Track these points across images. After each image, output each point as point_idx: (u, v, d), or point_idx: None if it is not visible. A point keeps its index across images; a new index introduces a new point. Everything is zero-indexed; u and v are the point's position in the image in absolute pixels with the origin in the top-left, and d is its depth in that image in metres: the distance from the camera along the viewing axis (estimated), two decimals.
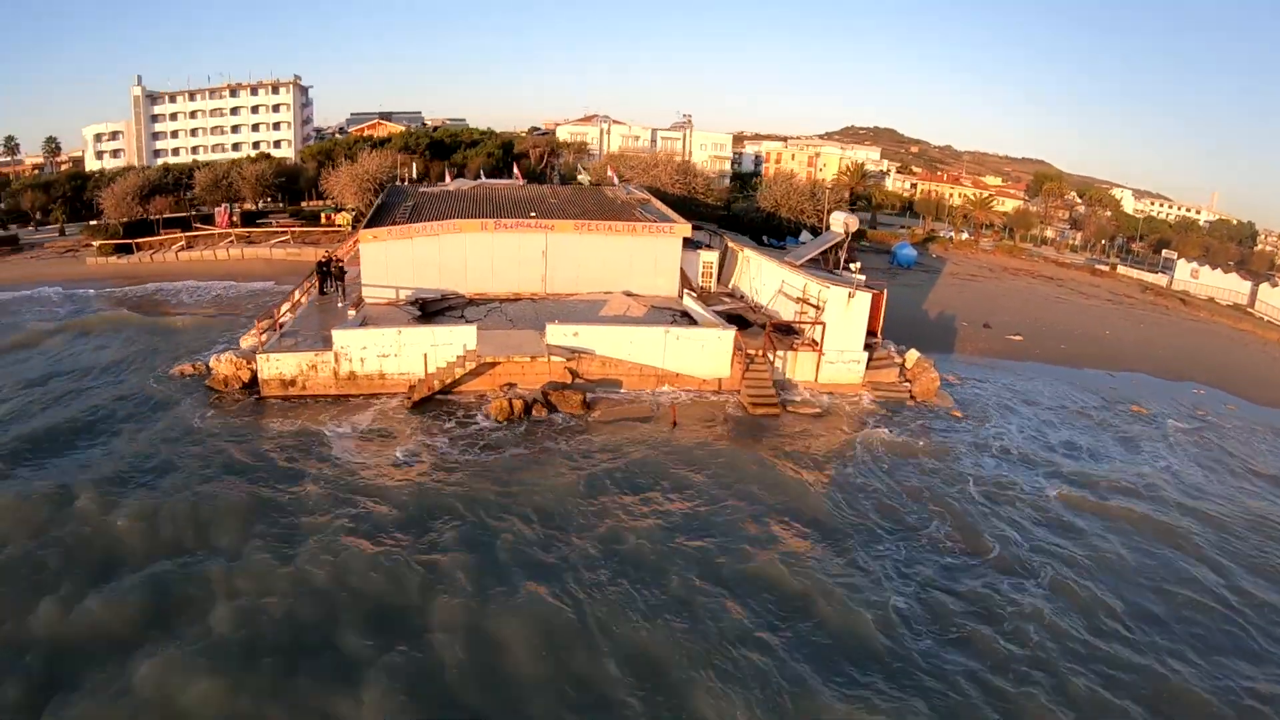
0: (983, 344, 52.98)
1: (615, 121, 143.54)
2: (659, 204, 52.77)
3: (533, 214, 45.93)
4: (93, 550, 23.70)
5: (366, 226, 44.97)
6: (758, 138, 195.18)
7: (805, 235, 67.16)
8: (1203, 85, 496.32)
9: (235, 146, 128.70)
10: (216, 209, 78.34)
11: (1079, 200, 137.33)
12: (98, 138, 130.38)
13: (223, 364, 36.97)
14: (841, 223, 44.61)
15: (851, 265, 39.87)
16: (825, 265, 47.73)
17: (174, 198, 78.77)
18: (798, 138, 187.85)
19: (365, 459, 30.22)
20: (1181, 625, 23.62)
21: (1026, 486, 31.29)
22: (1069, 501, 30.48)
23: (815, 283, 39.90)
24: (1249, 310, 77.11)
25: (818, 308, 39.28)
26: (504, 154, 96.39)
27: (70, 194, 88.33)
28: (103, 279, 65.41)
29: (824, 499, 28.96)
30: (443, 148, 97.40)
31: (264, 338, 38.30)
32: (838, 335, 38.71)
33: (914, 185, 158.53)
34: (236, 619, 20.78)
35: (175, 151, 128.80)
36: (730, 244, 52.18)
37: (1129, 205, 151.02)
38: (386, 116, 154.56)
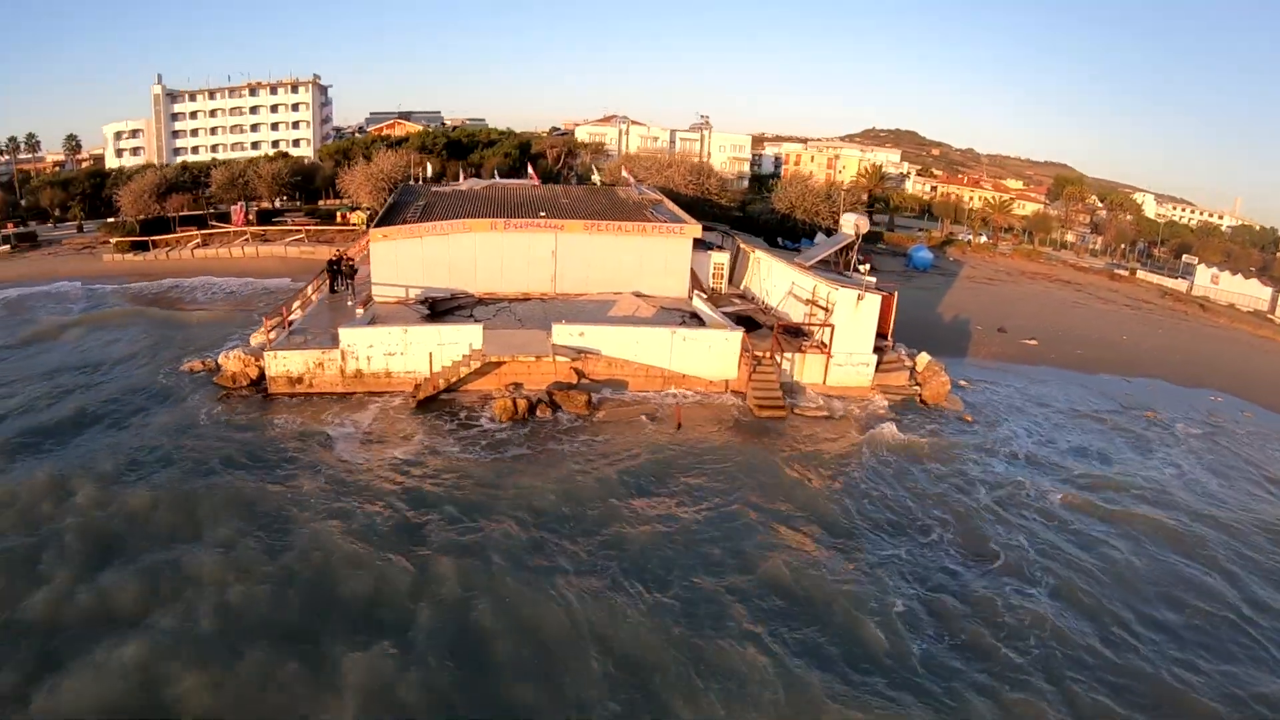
0: (996, 348, 52.46)
1: (634, 122, 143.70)
2: (671, 205, 52.52)
3: (542, 214, 45.84)
4: (89, 538, 24.11)
5: (377, 225, 45.04)
6: (778, 139, 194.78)
7: (820, 237, 66.73)
8: (1229, 89, 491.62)
9: (254, 145, 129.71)
10: (233, 207, 78.79)
11: (1100, 204, 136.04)
12: (118, 135, 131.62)
13: (231, 361, 37.28)
14: (852, 224, 44.24)
15: (861, 267, 39.33)
16: (837, 267, 47.33)
17: (191, 196, 79.32)
18: (818, 139, 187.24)
19: (365, 457, 30.24)
20: (1191, 633, 23.28)
21: (1034, 491, 30.87)
22: (1077, 507, 30.08)
23: (824, 284, 39.54)
24: (1269, 317, 76.19)
25: (826, 309, 38.94)
26: (521, 154, 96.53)
27: (89, 191, 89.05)
28: (119, 275, 65.87)
29: (828, 502, 28.69)
30: (460, 147, 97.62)
31: (272, 335, 38.35)
32: (846, 337, 38.37)
33: (934, 188, 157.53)
34: (222, 608, 21.02)
35: (195, 150, 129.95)
36: (742, 245, 51.91)
37: (1150, 210, 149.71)
38: (406, 116, 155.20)
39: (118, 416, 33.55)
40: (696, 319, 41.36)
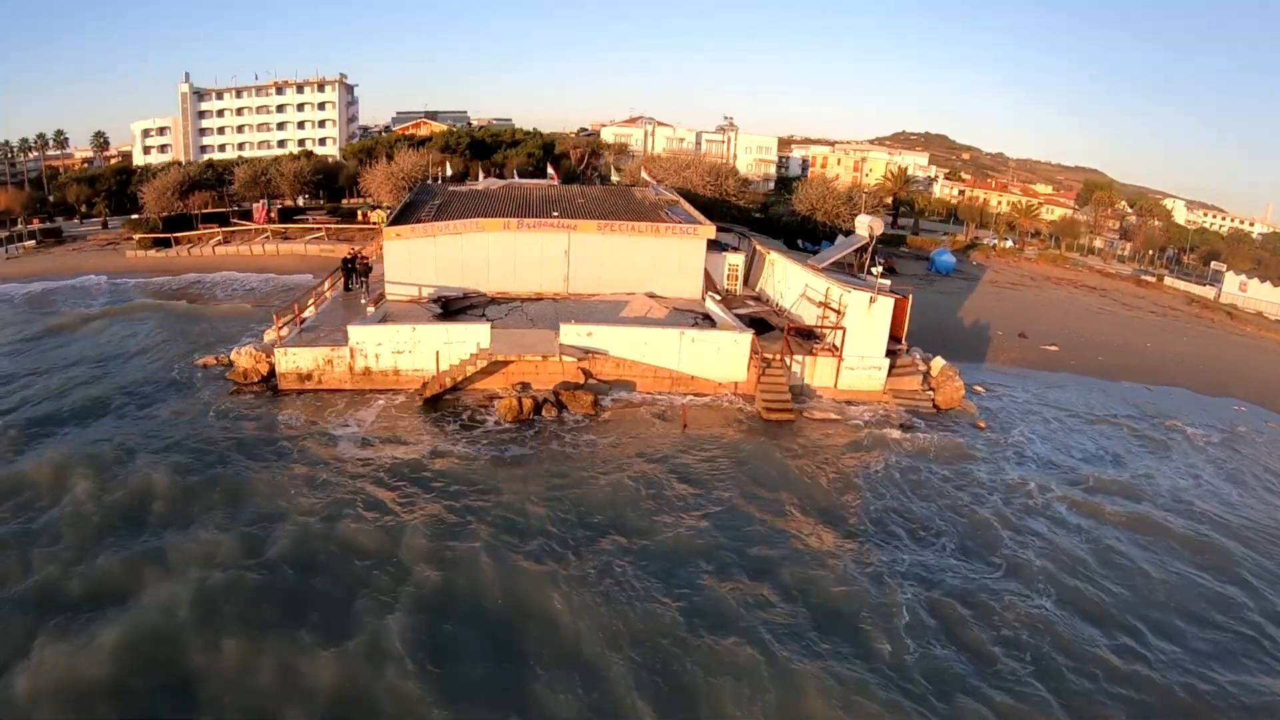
0: (1016, 354, 51.73)
1: (660, 123, 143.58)
2: (687, 205, 52.22)
3: (555, 214, 45.69)
4: (88, 521, 24.88)
5: (391, 224, 45.11)
6: (807, 142, 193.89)
7: (841, 240, 66.23)
8: (1265, 97, 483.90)
9: (281, 144, 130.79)
10: (254, 205, 79.34)
11: (1130, 210, 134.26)
12: (145, 133, 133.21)
13: (242, 357, 37.73)
14: (866, 226, 43.64)
15: (874, 269, 38.81)
16: (851, 269, 46.84)
17: (214, 193, 79.99)
18: (846, 142, 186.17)
19: (365, 453, 30.37)
20: (1203, 642, 22.73)
21: (1044, 498, 30.25)
22: (1087, 513, 29.44)
23: (837, 286, 39.08)
24: None
25: (839, 312, 38.48)
26: (545, 154, 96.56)
27: (115, 188, 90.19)
28: (141, 271, 66.70)
29: (833, 505, 28.35)
30: (483, 147, 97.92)
31: (283, 332, 38.58)
32: (858, 340, 37.87)
33: (961, 192, 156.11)
34: (202, 595, 21.33)
35: (222, 148, 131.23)
36: (758, 247, 51.51)
37: (1181, 216, 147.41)
38: (432, 116, 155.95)
39: (128, 407, 34.34)
40: (709, 320, 41.01)
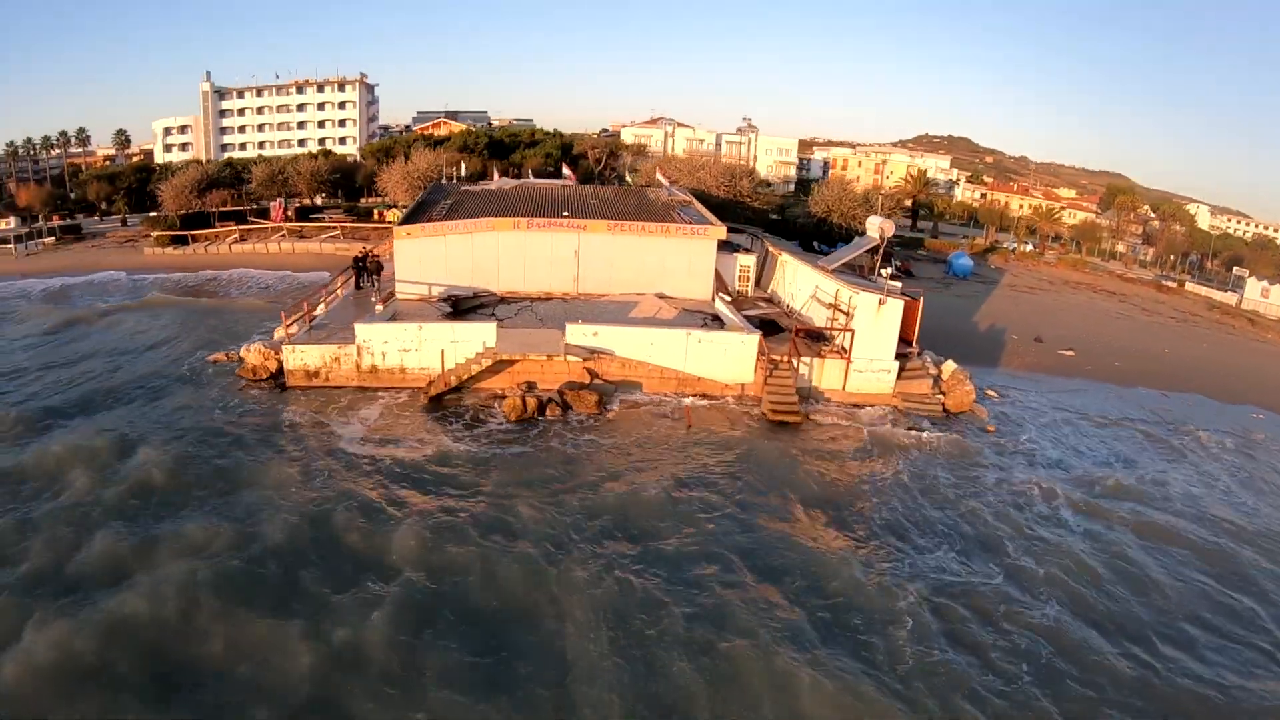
0: (1031, 358, 51.15)
1: (680, 124, 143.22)
2: (699, 206, 52.01)
3: (565, 214, 45.58)
4: (91, 505, 25.69)
5: (401, 223, 45.22)
6: (829, 144, 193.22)
7: (856, 240, 65.83)
8: None
9: (301, 143, 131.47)
10: (272, 203, 79.74)
11: (1153, 215, 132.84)
12: (166, 131, 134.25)
13: (251, 354, 38.15)
14: (877, 227, 43.25)
15: (883, 271, 38.44)
16: (863, 272, 46.48)
17: (232, 192, 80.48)
18: (867, 145, 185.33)
19: (366, 450, 30.53)
20: (1212, 650, 22.34)
21: (1051, 504, 29.80)
22: (1095, 520, 28.97)
23: (846, 288, 38.73)
24: None
25: (848, 314, 38.12)
26: (563, 155, 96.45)
27: (135, 186, 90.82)
28: (158, 268, 67.41)
29: (835, 510, 28.01)
30: (501, 147, 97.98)
31: (293, 330, 38.75)
32: (867, 343, 37.48)
33: (983, 195, 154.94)
34: (194, 579, 21.73)
35: (242, 146, 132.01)
36: (770, 248, 51.21)
37: (1204, 221, 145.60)
38: (452, 116, 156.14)
39: (138, 400, 35.19)
40: (718, 322, 40.78)
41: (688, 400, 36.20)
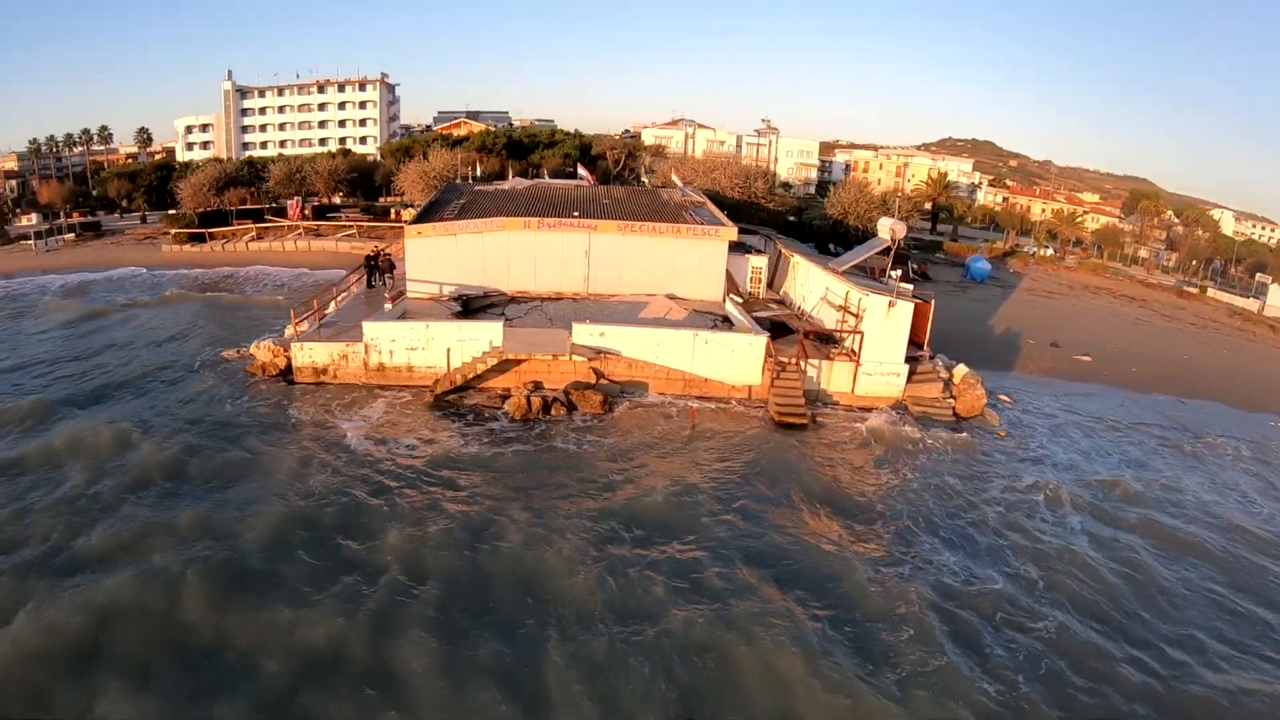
0: (1047, 363, 50.57)
1: (700, 126, 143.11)
2: (712, 208, 51.76)
3: (575, 213, 45.47)
4: (97, 490, 26.75)
5: (413, 223, 45.35)
6: (851, 147, 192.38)
7: (870, 241, 65.35)
8: None
9: (322, 141, 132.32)
10: (289, 202, 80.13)
11: (1176, 220, 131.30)
12: (188, 130, 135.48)
13: (261, 351, 38.40)
14: (888, 229, 42.88)
15: (893, 273, 38.05)
16: (873, 274, 46.10)
17: (249, 190, 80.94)
18: (889, 147, 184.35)
19: (367, 445, 30.84)
20: (1223, 657, 22.00)
21: (1059, 509, 29.42)
22: (1105, 525, 28.60)
23: (856, 290, 38.41)
24: None
25: (857, 316, 37.80)
26: (582, 155, 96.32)
27: (156, 183, 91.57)
28: (176, 264, 68.01)
29: (837, 514, 27.75)
30: (520, 148, 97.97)
31: (302, 327, 38.91)
32: (876, 345, 37.14)
33: (1005, 199, 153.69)
34: (186, 563, 22.53)
35: (263, 145, 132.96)
36: (782, 249, 50.92)
37: (1229, 227, 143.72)
38: (473, 116, 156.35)
39: (149, 392, 36.14)
40: (728, 323, 40.54)
41: (692, 402, 35.99)
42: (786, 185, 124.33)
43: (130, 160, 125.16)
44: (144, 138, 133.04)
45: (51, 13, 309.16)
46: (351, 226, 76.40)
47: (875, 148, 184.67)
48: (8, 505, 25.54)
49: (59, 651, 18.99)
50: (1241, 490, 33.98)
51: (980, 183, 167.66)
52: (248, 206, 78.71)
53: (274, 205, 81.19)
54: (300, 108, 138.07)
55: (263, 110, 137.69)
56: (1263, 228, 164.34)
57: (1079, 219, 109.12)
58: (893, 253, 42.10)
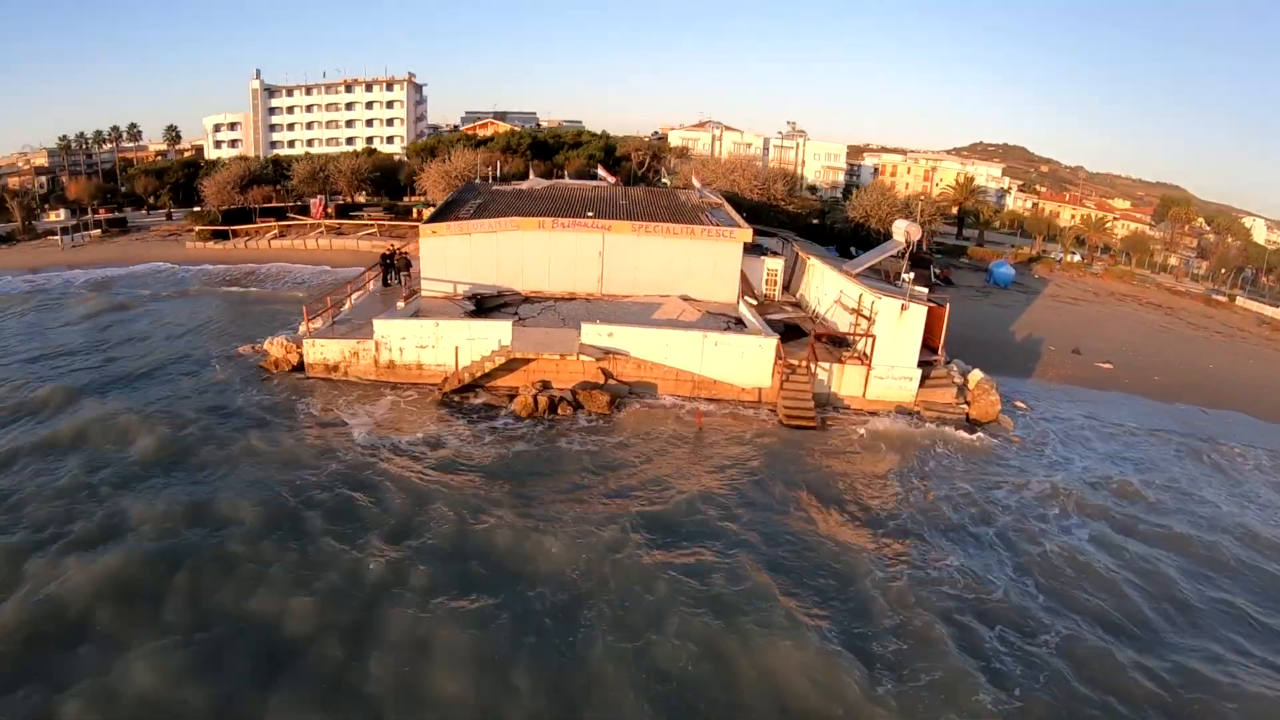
0: (1067, 370, 49.85)
1: (727, 128, 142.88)
2: (730, 209, 51.48)
3: (590, 214, 45.37)
4: (104, 468, 28.10)
5: (428, 222, 45.53)
6: (882, 150, 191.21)
7: (883, 246, 64.84)
8: None
9: (349, 141, 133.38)
10: (312, 200, 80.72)
11: (1208, 227, 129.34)
12: (216, 128, 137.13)
13: (274, 346, 38.74)
14: (903, 231, 42.39)
15: (906, 276, 37.60)
16: (888, 277, 45.65)
17: (273, 188, 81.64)
18: (920, 151, 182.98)
19: (371, 440, 31.10)
20: (1235, 665, 21.43)
21: (1069, 516, 28.80)
22: (1113, 535, 27.85)
23: (869, 293, 38.01)
24: None
25: (870, 319, 37.40)
26: (606, 156, 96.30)
27: (182, 181, 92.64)
28: (199, 261, 68.79)
29: (841, 518, 27.38)
30: (545, 148, 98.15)
31: (315, 324, 39.23)
32: (889, 349, 36.70)
33: (1035, 204, 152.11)
34: (179, 544, 23.50)
35: (291, 144, 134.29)
36: (799, 252, 50.57)
37: (1260, 235, 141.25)
38: (501, 116, 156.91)
39: (162, 383, 37.06)
40: (741, 325, 40.29)
41: (701, 404, 35.75)
42: (813, 188, 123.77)
43: (159, 158, 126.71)
44: (173, 135, 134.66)
45: (85, 12, 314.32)
46: (373, 225, 76.87)
47: (904, 151, 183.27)
48: (17, 489, 26.49)
49: (48, 626, 19.78)
50: (1263, 500, 33.22)
51: (1009, 188, 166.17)
52: (271, 205, 79.36)
53: (298, 204, 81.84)
54: (328, 107, 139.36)
55: (290, 109, 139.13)
56: None
57: (1107, 225, 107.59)
58: (907, 255, 41.58)
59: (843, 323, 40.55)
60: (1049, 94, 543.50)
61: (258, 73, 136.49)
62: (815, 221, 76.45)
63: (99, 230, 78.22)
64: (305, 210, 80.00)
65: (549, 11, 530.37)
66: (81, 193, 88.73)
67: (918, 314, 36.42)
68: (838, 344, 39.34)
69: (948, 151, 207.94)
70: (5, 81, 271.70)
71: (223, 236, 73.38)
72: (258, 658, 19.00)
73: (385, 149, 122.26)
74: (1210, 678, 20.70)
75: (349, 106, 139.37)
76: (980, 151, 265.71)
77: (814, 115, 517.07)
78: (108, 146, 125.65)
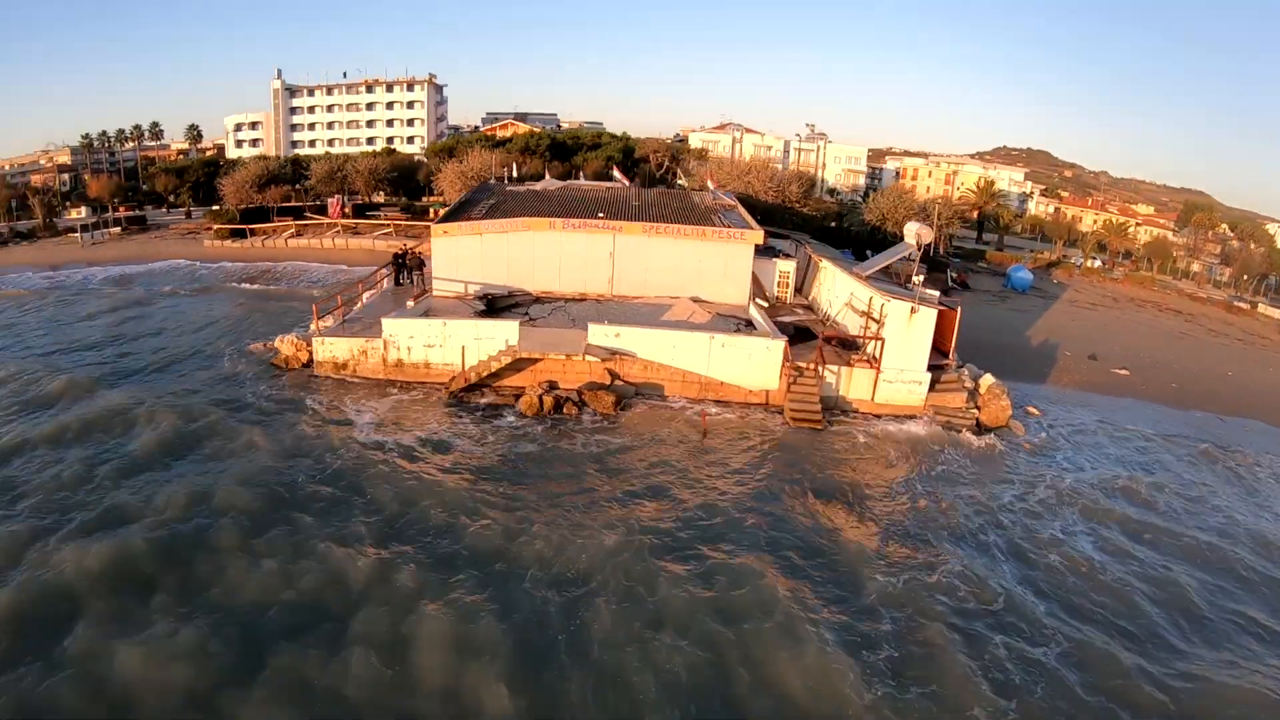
0: (1082, 376, 49.37)
1: (748, 130, 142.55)
2: (742, 211, 51.24)
3: (600, 214, 45.31)
4: (110, 456, 28.99)
5: (440, 222, 45.57)
6: (905, 154, 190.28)
7: (894, 248, 64.44)
8: None
9: (369, 141, 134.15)
10: (329, 200, 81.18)
11: (1231, 234, 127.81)
12: (237, 127, 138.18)
13: (285, 344, 39.07)
14: (914, 233, 41.98)
15: (916, 279, 37.29)
16: (899, 279, 45.26)
17: (292, 188, 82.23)
18: (942, 155, 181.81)
19: (374, 436, 31.47)
20: (1245, 673, 21.12)
21: (1071, 529, 28.40)
22: (1122, 544, 27.55)
23: (879, 295, 37.74)
24: None
25: (879, 322, 37.13)
26: (625, 158, 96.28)
27: (202, 179, 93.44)
28: (216, 259, 69.34)
29: (843, 520, 27.22)
30: (564, 149, 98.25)
31: (326, 322, 39.46)
32: (898, 352, 36.44)
33: (1056, 209, 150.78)
34: (175, 530, 24.19)
35: (311, 144, 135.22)
36: (812, 254, 50.32)
37: None
38: (521, 117, 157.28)
39: (175, 378, 37.83)
40: (751, 327, 40.09)
41: (708, 406, 35.63)
42: (833, 191, 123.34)
43: (180, 157, 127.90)
44: (194, 134, 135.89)
45: (110, 13, 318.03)
46: (389, 225, 77.26)
47: (926, 155, 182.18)
48: (22, 476, 27.34)
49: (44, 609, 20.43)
50: (1278, 509, 32.83)
51: (1032, 192, 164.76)
52: (290, 204, 79.90)
53: (316, 203, 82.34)
54: (348, 107, 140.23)
55: (311, 109, 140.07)
56: None
57: (1129, 230, 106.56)
58: (917, 258, 41.25)
59: (853, 325, 40.26)
60: (1074, 99, 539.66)
61: (279, 73, 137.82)
62: (832, 224, 75.99)
63: (119, 228, 79.05)
64: (323, 210, 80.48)
65: (572, 12, 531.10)
66: (102, 190, 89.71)
67: (928, 317, 36.14)
68: (847, 347, 39.13)
69: (971, 155, 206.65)
70: (32, 80, 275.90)
71: (240, 235, 73.97)
72: (245, 645, 19.35)
73: (405, 149, 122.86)
74: (1219, 687, 20.43)
75: (369, 107, 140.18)
76: (1003, 156, 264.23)
77: (839, 119, 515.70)
78: (130, 145, 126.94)
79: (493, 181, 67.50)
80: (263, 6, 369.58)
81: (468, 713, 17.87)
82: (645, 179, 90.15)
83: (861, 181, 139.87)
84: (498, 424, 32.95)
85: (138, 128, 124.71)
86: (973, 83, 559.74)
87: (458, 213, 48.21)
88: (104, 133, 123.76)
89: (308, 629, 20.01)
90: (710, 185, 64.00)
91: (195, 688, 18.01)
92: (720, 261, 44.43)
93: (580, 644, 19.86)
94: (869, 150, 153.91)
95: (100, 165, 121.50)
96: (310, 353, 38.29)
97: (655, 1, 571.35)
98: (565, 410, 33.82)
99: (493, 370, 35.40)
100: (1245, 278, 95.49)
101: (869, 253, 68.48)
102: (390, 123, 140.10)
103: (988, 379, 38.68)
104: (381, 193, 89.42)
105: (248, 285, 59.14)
